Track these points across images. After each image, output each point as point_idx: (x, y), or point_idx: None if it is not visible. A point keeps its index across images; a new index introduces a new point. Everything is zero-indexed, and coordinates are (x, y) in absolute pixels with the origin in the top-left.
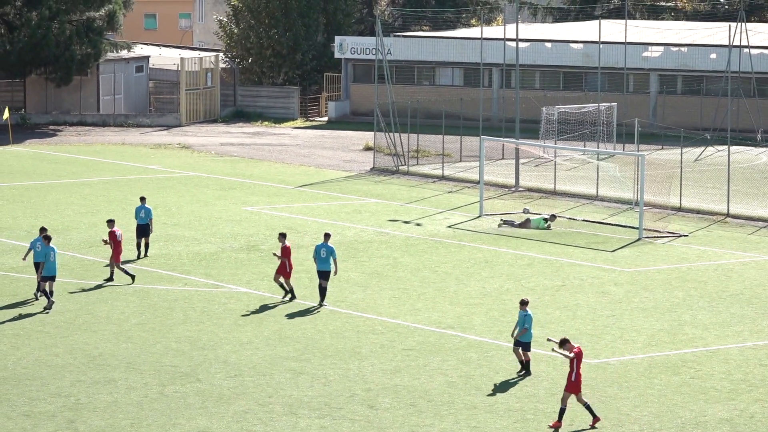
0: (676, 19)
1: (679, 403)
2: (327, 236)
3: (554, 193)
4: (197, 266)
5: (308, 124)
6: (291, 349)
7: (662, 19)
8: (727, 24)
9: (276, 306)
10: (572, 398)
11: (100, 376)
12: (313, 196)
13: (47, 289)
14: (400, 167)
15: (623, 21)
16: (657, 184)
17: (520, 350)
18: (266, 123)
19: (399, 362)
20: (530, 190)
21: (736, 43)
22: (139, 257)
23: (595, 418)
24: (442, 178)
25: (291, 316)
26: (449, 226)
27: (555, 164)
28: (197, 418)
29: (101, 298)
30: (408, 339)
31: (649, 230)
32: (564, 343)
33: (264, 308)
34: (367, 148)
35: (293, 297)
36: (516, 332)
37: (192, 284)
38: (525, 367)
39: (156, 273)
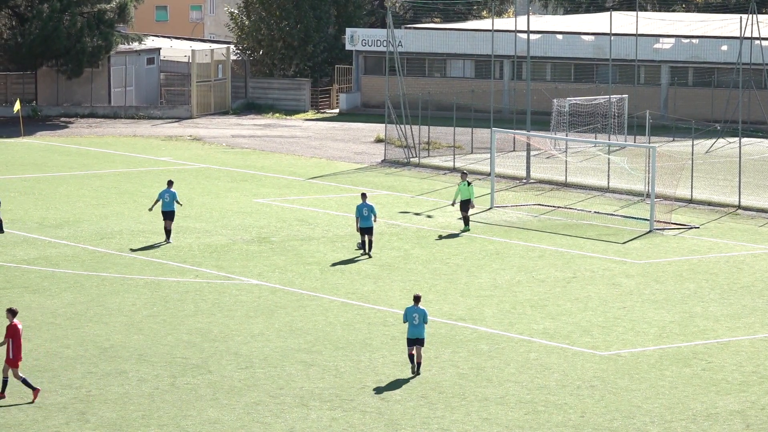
0: (687, 11)
1: (690, 395)
2: (364, 196)
3: (565, 184)
4: (208, 258)
5: (319, 116)
6: (302, 341)
7: (673, 10)
8: (738, 16)
9: (287, 298)
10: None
11: (111, 367)
12: (324, 188)
13: None
14: (411, 159)
15: (634, 13)
16: (668, 175)
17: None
18: (277, 115)
19: None
20: (541, 182)
21: (748, 34)
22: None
23: (35, 391)
24: (453, 169)
25: (302, 308)
26: (460, 218)
27: (566, 158)
28: (208, 410)
29: (112, 290)
30: None
31: (660, 222)
32: (10, 312)
33: (275, 300)
34: (378, 140)
35: None
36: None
37: (203, 276)
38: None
39: (167, 265)
